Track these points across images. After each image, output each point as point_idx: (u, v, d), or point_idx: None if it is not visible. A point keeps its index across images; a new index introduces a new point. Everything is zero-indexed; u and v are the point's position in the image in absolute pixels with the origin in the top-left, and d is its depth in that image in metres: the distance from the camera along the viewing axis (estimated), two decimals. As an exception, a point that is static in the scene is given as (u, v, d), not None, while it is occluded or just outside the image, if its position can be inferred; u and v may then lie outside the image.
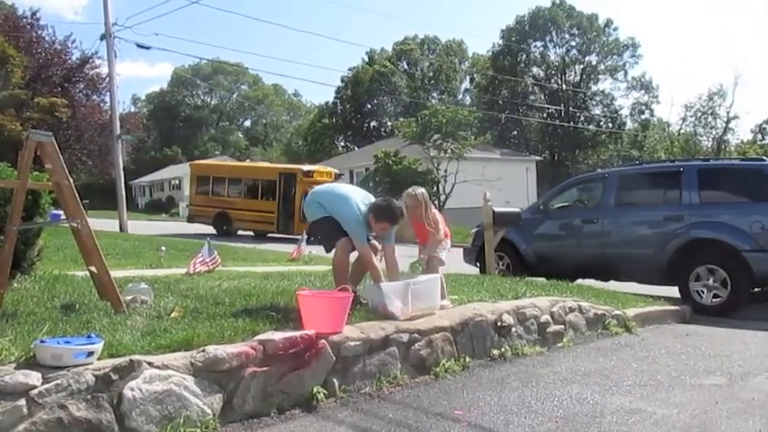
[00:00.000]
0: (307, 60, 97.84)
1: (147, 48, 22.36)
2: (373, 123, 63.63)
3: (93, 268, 4.67)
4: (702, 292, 7.81)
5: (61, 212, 6.28)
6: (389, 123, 55.80)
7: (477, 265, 9.78)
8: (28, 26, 28.09)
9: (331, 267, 5.39)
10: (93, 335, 3.45)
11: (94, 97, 29.97)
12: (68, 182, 4.43)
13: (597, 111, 56.50)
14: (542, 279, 8.35)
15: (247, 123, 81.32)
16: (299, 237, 11.56)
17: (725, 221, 7.73)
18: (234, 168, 26.19)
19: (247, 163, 28.34)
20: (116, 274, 5.16)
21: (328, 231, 5.08)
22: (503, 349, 5.20)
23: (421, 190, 5.68)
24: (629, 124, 56.74)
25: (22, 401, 2.92)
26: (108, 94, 25.45)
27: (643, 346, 5.82)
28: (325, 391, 3.95)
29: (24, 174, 4.35)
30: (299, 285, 5.83)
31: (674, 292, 8.18)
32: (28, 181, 4.42)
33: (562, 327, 5.86)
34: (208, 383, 3.49)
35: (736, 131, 53.37)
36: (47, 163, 4.43)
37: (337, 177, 21.88)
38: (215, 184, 23.67)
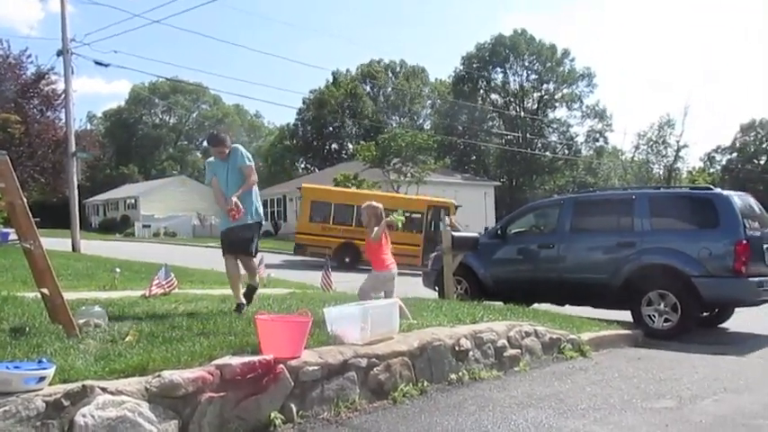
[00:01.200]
0: (269, 82, 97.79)
1: (106, 65, 22.03)
2: (334, 146, 63.79)
3: (45, 290, 4.56)
4: (654, 316, 8.01)
5: (10, 231, 6.12)
6: (351, 146, 56.01)
7: (436, 289, 9.85)
8: (-21, 41, 27.39)
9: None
10: (44, 359, 3.36)
11: (49, 113, 29.28)
12: (22, 201, 4.34)
13: (554, 138, 57.82)
14: (500, 303, 8.45)
15: (206, 143, 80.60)
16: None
17: (675, 248, 7.97)
18: (367, 198, 23.72)
19: (382, 192, 25.90)
20: (69, 296, 5.05)
21: None
22: (460, 373, 5.24)
23: (368, 203, 6.59)
24: (585, 151, 58.23)
25: (-32, 429, 2.83)
26: (63, 110, 24.99)
27: (597, 369, 5.93)
28: (283, 417, 3.91)
29: (-25, 193, 4.25)
30: (257, 309, 5.79)
31: (627, 316, 8.37)
32: (-21, 200, 4.31)
33: (519, 351, 5.94)
34: (163, 409, 3.43)
35: (686, 160, 55.39)
36: (0, 182, 4.33)
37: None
38: (338, 212, 21.75)
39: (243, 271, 6.25)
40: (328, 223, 21.80)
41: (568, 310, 8.83)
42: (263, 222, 6.49)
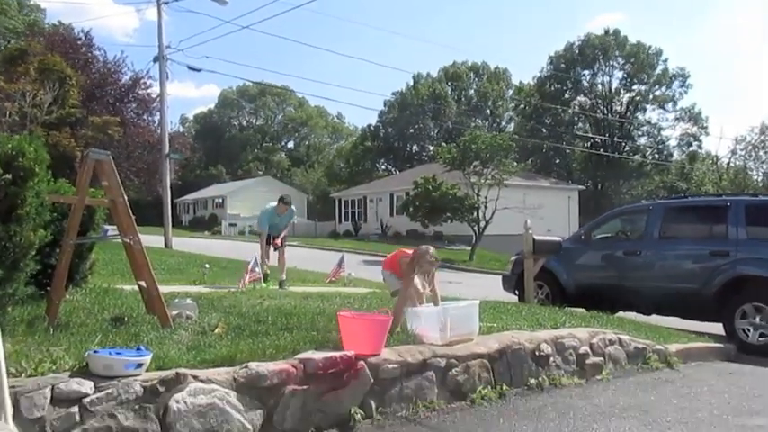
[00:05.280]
0: (351, 84, 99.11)
1: (198, 70, 23.07)
2: (415, 147, 63.89)
3: (142, 283, 4.84)
4: (748, 330, 7.60)
5: (110, 228, 6.56)
6: (431, 148, 55.95)
7: (516, 292, 9.73)
8: (83, 47, 29.20)
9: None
10: (142, 347, 3.58)
11: (145, 117, 30.94)
12: (123, 199, 4.63)
13: (643, 141, 55.60)
14: (582, 310, 8.27)
15: (290, 144, 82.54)
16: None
17: (773, 258, 7.54)
18: None
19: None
20: (162, 289, 5.31)
21: None
22: (540, 379, 5.17)
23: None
24: (677, 156, 55.64)
25: (75, 408, 3.06)
26: (158, 113, 26.34)
27: (684, 382, 5.71)
28: (363, 413, 4.00)
29: (82, 191, 4.56)
30: (339, 307, 5.92)
31: (718, 328, 7.99)
32: (86, 197, 4.63)
33: (601, 359, 5.80)
34: (249, 399, 3.59)
35: (788, 166, 51.87)
36: (103, 180, 4.64)
37: None
38: None
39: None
40: None
41: (655, 320, 8.52)
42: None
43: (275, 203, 9.73)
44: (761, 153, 50.94)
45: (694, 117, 54.01)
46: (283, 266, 9.73)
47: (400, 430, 3.98)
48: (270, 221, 9.66)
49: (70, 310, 4.89)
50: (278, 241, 9.77)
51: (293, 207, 10.04)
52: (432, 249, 5.32)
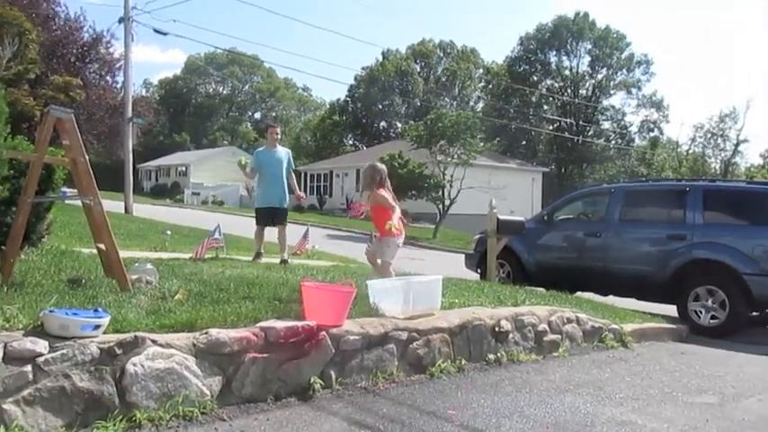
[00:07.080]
0: (321, 56, 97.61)
1: (165, 34, 22.59)
2: (383, 124, 63.61)
3: (101, 245, 4.74)
4: (701, 312, 7.83)
5: (68, 191, 6.40)
6: (399, 125, 55.77)
7: (478, 271, 9.83)
8: (44, 2, 28.08)
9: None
10: (99, 309, 3.51)
11: (108, 78, 30.04)
12: (84, 159, 4.50)
13: (606, 125, 56.40)
14: (542, 289, 8.40)
15: (257, 115, 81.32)
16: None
17: (727, 243, 7.75)
18: None
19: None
20: (121, 254, 5.22)
21: None
22: (499, 354, 5.25)
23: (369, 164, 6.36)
24: (638, 141, 56.67)
25: (29, 367, 2.99)
26: (120, 75, 25.63)
27: (638, 361, 5.86)
28: (322, 382, 4.01)
29: (42, 148, 4.42)
30: (302, 277, 5.89)
31: (672, 310, 8.22)
32: (45, 155, 4.49)
33: (559, 336, 5.91)
34: (208, 365, 3.56)
35: (745, 155, 53.46)
36: (64, 139, 4.50)
37: None
38: None
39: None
40: None
41: (612, 300, 8.72)
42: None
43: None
44: (719, 141, 52.24)
45: (656, 104, 55.00)
46: (284, 244, 8.59)
47: (359, 401, 4.00)
48: (259, 164, 8.23)
49: (25, 270, 4.77)
50: (300, 193, 8.86)
51: (288, 149, 8.62)
52: (375, 162, 6.09)
